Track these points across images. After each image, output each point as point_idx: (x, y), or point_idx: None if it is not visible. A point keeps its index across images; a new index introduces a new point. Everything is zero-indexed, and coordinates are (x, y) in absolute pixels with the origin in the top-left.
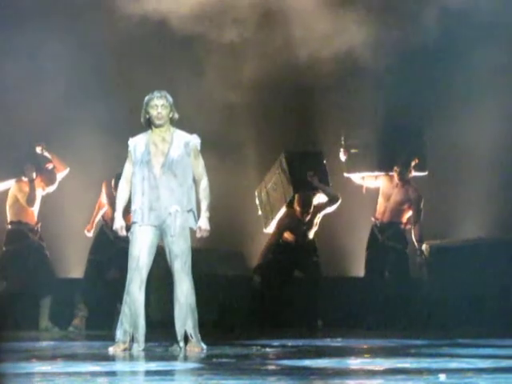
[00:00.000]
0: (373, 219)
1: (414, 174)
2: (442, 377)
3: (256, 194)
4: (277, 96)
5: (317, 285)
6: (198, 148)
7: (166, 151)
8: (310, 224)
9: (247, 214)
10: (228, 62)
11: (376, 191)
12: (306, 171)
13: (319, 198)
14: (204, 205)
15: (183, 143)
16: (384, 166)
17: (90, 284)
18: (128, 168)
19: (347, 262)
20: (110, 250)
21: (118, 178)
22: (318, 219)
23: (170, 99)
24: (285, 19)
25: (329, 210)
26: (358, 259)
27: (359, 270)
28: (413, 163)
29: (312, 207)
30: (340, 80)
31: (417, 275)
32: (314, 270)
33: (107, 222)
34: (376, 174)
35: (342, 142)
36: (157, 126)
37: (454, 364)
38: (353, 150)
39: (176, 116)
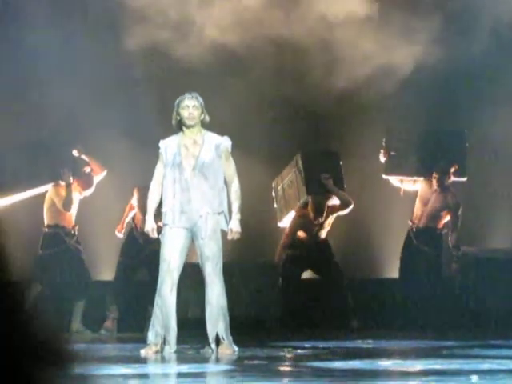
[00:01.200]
0: (410, 223)
1: (453, 179)
2: (474, 378)
3: (273, 185)
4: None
5: (342, 285)
6: (229, 150)
7: (197, 154)
8: (322, 225)
9: (263, 210)
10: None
11: (414, 195)
12: (321, 172)
13: (333, 200)
14: (235, 207)
15: (214, 145)
16: (423, 171)
17: (119, 286)
18: (159, 170)
19: (382, 263)
20: (140, 253)
21: (140, 189)
22: (330, 219)
23: (201, 101)
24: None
25: (341, 213)
26: (393, 261)
27: (394, 271)
28: (452, 169)
29: (325, 212)
30: (377, 82)
31: (451, 280)
32: (335, 270)
33: (137, 226)
34: (414, 178)
35: (383, 144)
36: (188, 127)
37: (486, 365)
38: (393, 153)
39: (207, 118)
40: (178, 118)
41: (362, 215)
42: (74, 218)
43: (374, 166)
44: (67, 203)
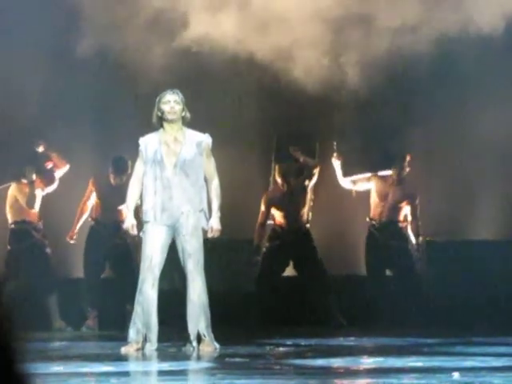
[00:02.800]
0: (368, 220)
1: (407, 170)
2: (456, 375)
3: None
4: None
5: (325, 286)
6: (210, 147)
7: (179, 151)
8: (295, 199)
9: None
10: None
11: (366, 193)
12: (290, 146)
13: (304, 175)
14: (215, 204)
15: (195, 143)
16: (380, 166)
17: (91, 284)
18: (139, 167)
19: (348, 262)
20: (104, 249)
21: (115, 162)
22: (305, 195)
23: (182, 97)
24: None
25: (312, 180)
26: (358, 260)
27: (360, 270)
28: (408, 158)
29: (293, 177)
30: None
31: (416, 270)
32: (319, 268)
33: (97, 220)
34: (369, 175)
35: (335, 147)
36: (169, 122)
37: (468, 362)
38: (345, 155)
39: (188, 115)
40: (159, 113)
41: (325, 213)
42: (37, 213)
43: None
44: (31, 201)
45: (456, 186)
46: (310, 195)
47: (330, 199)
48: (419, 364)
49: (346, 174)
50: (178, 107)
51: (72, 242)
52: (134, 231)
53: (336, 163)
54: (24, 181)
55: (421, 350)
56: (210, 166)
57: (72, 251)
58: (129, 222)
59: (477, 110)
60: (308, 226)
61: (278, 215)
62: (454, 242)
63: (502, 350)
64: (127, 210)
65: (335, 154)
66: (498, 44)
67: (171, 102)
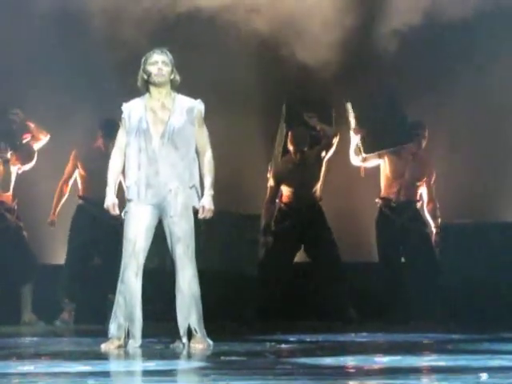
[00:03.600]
0: (379, 200)
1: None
2: (483, 377)
3: (269, 168)
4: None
5: (338, 269)
6: (203, 115)
7: (167, 119)
8: (309, 172)
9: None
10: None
11: (374, 171)
12: (305, 112)
13: (322, 151)
14: (208, 181)
15: (186, 109)
16: (402, 138)
17: (74, 272)
18: (121, 137)
19: (357, 247)
20: (94, 231)
21: (105, 125)
22: (319, 168)
23: (172, 58)
24: None
25: (330, 151)
26: (368, 246)
27: (370, 256)
28: (425, 135)
29: (307, 145)
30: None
31: (436, 258)
32: (328, 253)
33: (86, 197)
34: (394, 149)
35: (350, 110)
36: (156, 85)
37: (497, 362)
38: (368, 126)
39: (177, 78)
40: (145, 76)
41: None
42: (11, 192)
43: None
44: (5, 181)
45: (479, 162)
46: (324, 168)
47: (338, 175)
48: (441, 363)
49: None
50: (167, 69)
51: (52, 227)
52: (116, 211)
53: (354, 137)
54: None
55: (443, 348)
56: (202, 136)
57: (51, 235)
58: (109, 201)
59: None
60: (320, 203)
61: (286, 191)
62: (476, 225)
63: None
64: (108, 187)
65: (354, 128)
66: None
67: (159, 63)
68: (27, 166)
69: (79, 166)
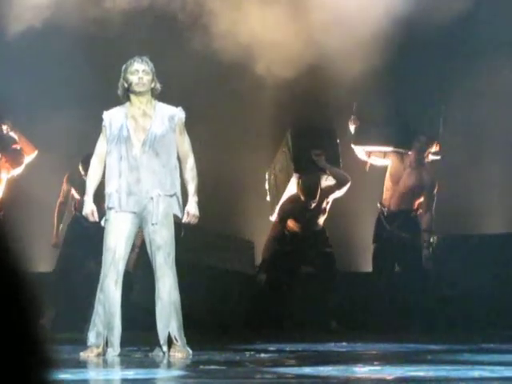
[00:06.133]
0: (379, 206)
1: (431, 157)
2: None
3: (266, 176)
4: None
5: (331, 281)
6: (184, 122)
7: (148, 127)
8: (317, 211)
9: (253, 198)
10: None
11: (382, 171)
12: (313, 149)
13: (327, 181)
14: (191, 187)
15: (167, 117)
16: (396, 142)
17: (60, 280)
18: (101, 145)
19: (352, 255)
20: (86, 241)
21: (86, 160)
22: (327, 205)
23: (152, 66)
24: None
25: (338, 194)
26: (363, 252)
27: (366, 264)
28: (433, 149)
29: (318, 193)
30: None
31: (424, 268)
32: (326, 262)
33: (79, 210)
34: (385, 149)
35: (354, 109)
36: (137, 95)
37: (476, 372)
38: (363, 120)
39: (158, 86)
40: (126, 85)
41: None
42: None
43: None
44: None
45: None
46: (330, 203)
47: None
48: (421, 373)
49: (361, 142)
50: (147, 78)
51: (56, 248)
52: (95, 217)
53: (351, 127)
54: None
55: (423, 358)
56: (183, 143)
57: (36, 243)
58: (88, 208)
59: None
60: (324, 229)
61: (293, 225)
62: (467, 238)
63: None
64: (86, 194)
65: (352, 117)
66: None
67: (139, 72)
68: (16, 171)
69: (73, 190)
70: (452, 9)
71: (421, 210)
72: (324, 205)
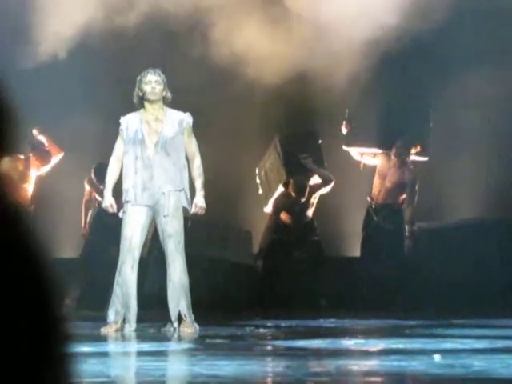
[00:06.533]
0: (369, 199)
1: (413, 158)
2: (437, 357)
3: (257, 171)
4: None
5: (317, 264)
6: (191, 126)
7: (160, 130)
8: (306, 205)
9: (246, 192)
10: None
11: (374, 169)
12: (300, 153)
13: (314, 179)
14: (198, 183)
15: (177, 122)
16: (384, 144)
17: (86, 264)
18: (119, 146)
19: (344, 242)
20: (107, 232)
21: (97, 169)
22: (314, 199)
23: (164, 77)
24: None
25: (323, 191)
26: (354, 239)
27: (356, 250)
28: (413, 150)
29: (307, 192)
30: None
31: (406, 256)
32: (314, 248)
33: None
34: (374, 151)
35: (346, 115)
36: (151, 102)
37: (449, 344)
38: (354, 124)
39: (169, 95)
40: (140, 94)
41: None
42: (29, 195)
43: (328, 143)
44: (25, 176)
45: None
46: (318, 198)
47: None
48: (400, 346)
49: (352, 144)
50: (159, 87)
51: (85, 238)
52: (114, 209)
53: (344, 131)
54: (20, 156)
55: (402, 332)
56: (191, 145)
57: (62, 233)
58: (107, 201)
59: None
60: (312, 219)
61: (285, 217)
62: (443, 229)
63: (483, 332)
64: (106, 190)
65: (344, 122)
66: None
67: (152, 83)
68: (44, 169)
69: (93, 191)
70: (435, 20)
71: (404, 204)
72: (312, 200)
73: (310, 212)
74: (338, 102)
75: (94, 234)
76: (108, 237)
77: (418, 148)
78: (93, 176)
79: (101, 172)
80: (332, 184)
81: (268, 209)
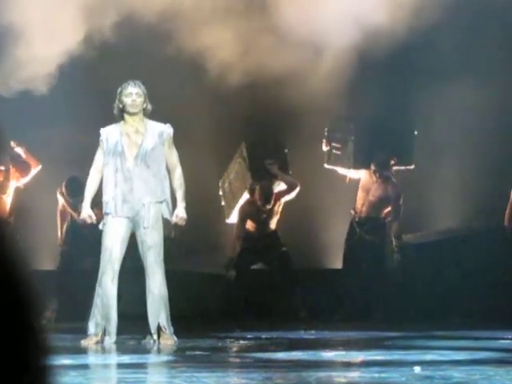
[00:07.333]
0: (352, 212)
1: (397, 168)
2: (417, 369)
3: (220, 184)
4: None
5: (289, 276)
6: (172, 137)
7: (140, 142)
8: (270, 213)
9: (209, 204)
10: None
11: (358, 182)
12: (265, 159)
13: (279, 186)
14: (180, 194)
15: (157, 133)
16: (361, 162)
17: (63, 276)
18: (99, 158)
19: (326, 254)
20: (83, 242)
21: (69, 183)
22: (278, 207)
23: (144, 89)
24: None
25: (288, 197)
26: (337, 252)
27: (338, 262)
28: (392, 161)
29: (273, 198)
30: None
31: (394, 270)
32: (282, 260)
33: (73, 217)
34: (353, 172)
35: (325, 133)
36: (131, 115)
37: (429, 356)
38: (333, 144)
39: (149, 107)
40: (121, 105)
41: (306, 204)
42: (8, 207)
43: (318, 154)
44: (4, 187)
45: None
46: (282, 206)
47: (317, 188)
48: (380, 357)
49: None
50: (140, 100)
51: (62, 248)
52: (93, 220)
53: (324, 149)
54: (0, 167)
55: (382, 344)
56: (172, 156)
57: (40, 244)
58: (85, 213)
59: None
60: (276, 229)
61: (250, 226)
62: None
63: (462, 343)
64: (84, 201)
65: (324, 140)
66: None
67: (133, 95)
68: (23, 181)
69: (64, 203)
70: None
71: (389, 219)
72: (276, 207)
73: (273, 222)
74: (314, 110)
75: (69, 245)
76: (83, 248)
77: (395, 159)
78: (64, 190)
79: (72, 186)
80: (297, 189)
81: (231, 220)
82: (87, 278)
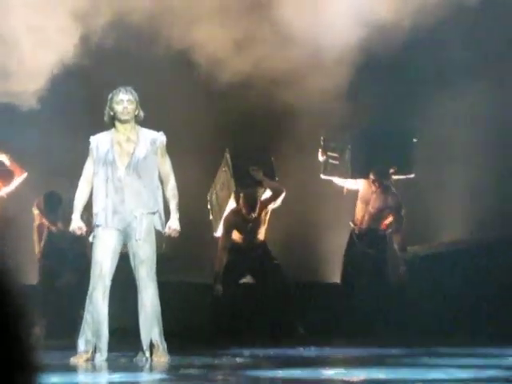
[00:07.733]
0: (351, 224)
1: (397, 177)
2: None
3: (208, 198)
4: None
5: (282, 290)
6: (165, 145)
7: (132, 151)
8: (257, 222)
9: (196, 217)
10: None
11: (356, 194)
12: (250, 166)
13: (265, 194)
14: (173, 204)
15: (149, 141)
16: (359, 172)
17: (45, 291)
18: (89, 167)
19: (324, 267)
20: (63, 256)
21: (46, 198)
22: (265, 216)
23: (136, 96)
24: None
25: (273, 205)
26: (335, 265)
27: (336, 276)
28: (391, 170)
29: (258, 206)
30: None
31: (398, 283)
32: (276, 274)
33: (52, 230)
34: (351, 182)
35: (321, 143)
36: (122, 123)
37: (433, 374)
38: (330, 153)
39: (141, 114)
40: (112, 113)
41: (303, 216)
42: None
43: (315, 165)
44: None
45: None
46: (269, 215)
47: (315, 199)
48: (382, 376)
49: (329, 173)
50: (131, 107)
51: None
52: (83, 232)
53: (321, 159)
54: None
55: (384, 361)
56: (165, 165)
57: (24, 258)
58: (75, 224)
59: None
60: (265, 240)
61: (236, 236)
62: (434, 251)
63: (468, 361)
64: (74, 212)
65: (320, 150)
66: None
67: (124, 102)
68: (6, 190)
69: (41, 216)
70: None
71: (391, 230)
72: (263, 216)
73: (262, 230)
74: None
75: (47, 259)
76: (61, 262)
77: (394, 168)
78: (41, 205)
79: (49, 201)
80: (283, 195)
81: (219, 233)
82: (71, 292)
